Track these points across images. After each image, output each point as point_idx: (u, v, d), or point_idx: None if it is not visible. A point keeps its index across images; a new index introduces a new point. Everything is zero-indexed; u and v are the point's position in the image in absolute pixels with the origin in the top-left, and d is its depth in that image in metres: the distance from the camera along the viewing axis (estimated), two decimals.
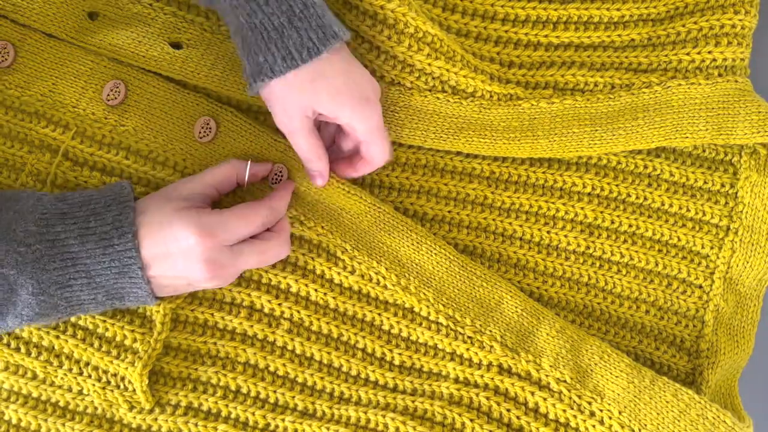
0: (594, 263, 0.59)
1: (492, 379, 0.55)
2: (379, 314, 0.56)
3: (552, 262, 0.59)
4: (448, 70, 0.57)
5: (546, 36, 0.60)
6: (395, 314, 0.56)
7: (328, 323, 0.56)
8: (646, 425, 0.52)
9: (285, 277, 0.56)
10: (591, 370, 0.54)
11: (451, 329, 0.55)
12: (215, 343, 0.55)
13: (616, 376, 0.53)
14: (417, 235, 0.56)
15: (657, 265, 0.59)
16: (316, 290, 0.56)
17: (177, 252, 0.48)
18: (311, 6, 0.49)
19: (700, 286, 0.60)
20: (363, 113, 0.52)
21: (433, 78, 0.58)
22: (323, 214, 0.56)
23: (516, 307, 0.55)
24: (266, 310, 0.56)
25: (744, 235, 0.60)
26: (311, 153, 0.53)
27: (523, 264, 0.59)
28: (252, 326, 0.55)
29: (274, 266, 0.56)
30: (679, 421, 0.52)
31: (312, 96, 0.50)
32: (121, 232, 0.47)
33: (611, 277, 0.59)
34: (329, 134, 0.58)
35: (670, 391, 0.53)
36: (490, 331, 0.54)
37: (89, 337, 0.53)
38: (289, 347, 0.55)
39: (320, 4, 0.50)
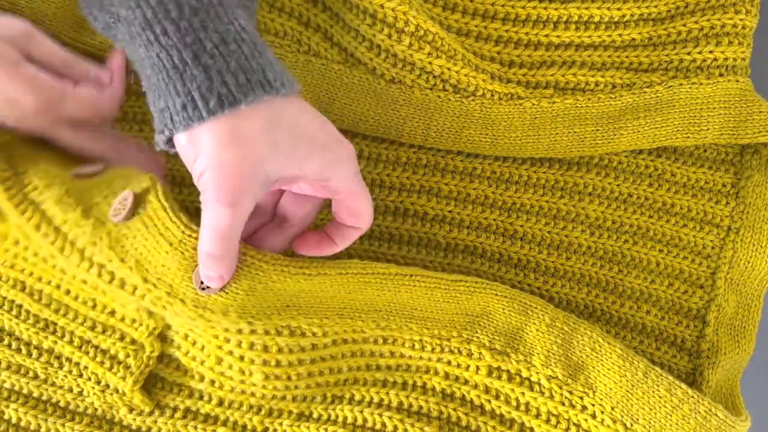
0: (596, 263, 0.59)
1: (482, 380, 0.54)
2: (359, 347, 0.53)
3: (554, 262, 0.59)
4: (449, 69, 0.57)
5: (546, 35, 0.60)
6: (375, 342, 0.53)
7: (306, 367, 0.51)
8: (638, 419, 0.52)
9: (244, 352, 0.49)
10: (583, 363, 0.53)
11: (437, 344, 0.53)
12: (201, 364, 0.52)
13: (608, 369, 0.52)
14: (393, 280, 0.51)
15: (659, 265, 0.59)
16: (286, 356, 0.49)
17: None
18: (233, 42, 0.37)
19: (702, 286, 0.60)
20: (338, 159, 0.41)
21: (434, 76, 0.58)
22: (275, 311, 0.48)
23: (503, 308, 0.53)
24: (236, 368, 0.50)
25: (746, 235, 0.60)
26: (232, 248, 0.42)
27: (524, 264, 0.59)
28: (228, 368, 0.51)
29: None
30: (671, 415, 0.51)
31: (264, 148, 0.38)
32: None
33: (613, 277, 0.59)
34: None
35: (663, 386, 0.52)
36: (478, 337, 0.53)
37: (85, 345, 0.53)
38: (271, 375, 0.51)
39: (250, 41, 0.38)
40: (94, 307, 0.52)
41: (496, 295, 0.54)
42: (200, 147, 0.38)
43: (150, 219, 0.45)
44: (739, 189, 0.60)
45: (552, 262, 0.59)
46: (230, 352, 0.48)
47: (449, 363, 0.54)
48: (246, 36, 0.38)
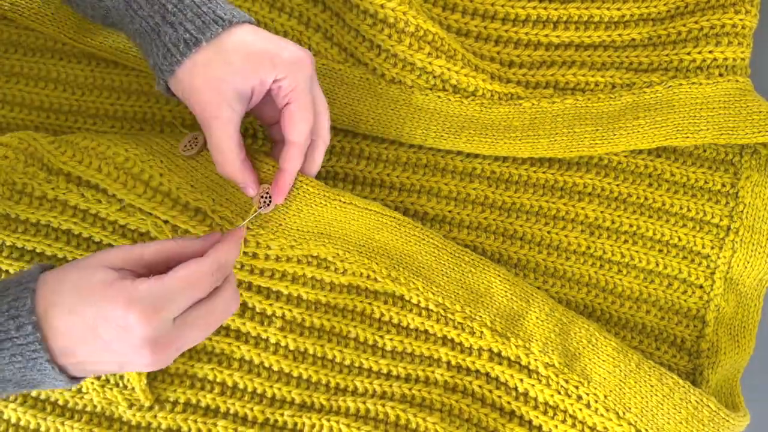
0: (595, 263, 0.59)
1: (483, 365, 0.55)
2: (370, 303, 0.56)
3: (553, 262, 0.59)
4: (449, 69, 0.57)
5: (546, 35, 0.60)
6: (385, 302, 0.56)
7: (320, 317, 0.55)
8: (630, 408, 0.53)
9: (275, 284, 0.55)
10: (579, 354, 0.54)
11: (441, 315, 0.55)
12: (210, 340, 0.55)
13: (603, 360, 0.53)
14: (405, 228, 0.55)
15: (658, 265, 0.59)
16: (307, 292, 0.55)
17: (110, 334, 0.40)
18: None
19: (701, 286, 0.60)
20: (289, 65, 0.48)
21: (434, 77, 0.58)
22: (312, 233, 0.54)
23: (506, 291, 0.55)
24: (258, 309, 0.55)
25: (745, 235, 0.59)
26: (236, 153, 0.49)
27: (523, 264, 0.59)
28: (244, 323, 0.55)
29: (262, 273, 0.55)
30: (662, 405, 0.52)
31: (223, 68, 0.47)
32: (18, 324, 0.40)
33: (612, 277, 0.59)
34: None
35: (655, 376, 0.53)
36: (480, 316, 0.54)
37: None
38: (283, 344, 0.55)
39: None
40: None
41: (499, 276, 0.55)
42: (182, 84, 0.48)
43: None
44: (738, 189, 0.60)
45: (551, 262, 0.59)
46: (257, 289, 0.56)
47: (452, 347, 0.55)
48: None
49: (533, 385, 0.54)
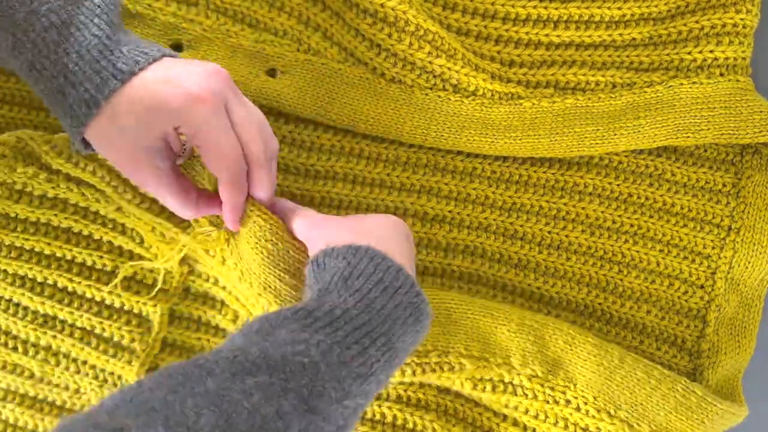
0: (596, 263, 0.59)
1: (470, 393, 0.53)
2: None
3: (553, 262, 0.59)
4: (449, 68, 0.57)
5: (547, 35, 0.60)
6: None
7: None
8: (621, 406, 0.52)
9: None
10: (559, 358, 0.53)
11: (417, 364, 0.52)
12: (209, 340, 0.55)
13: (585, 360, 0.53)
14: None
15: (659, 265, 0.59)
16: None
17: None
18: (88, 51, 0.44)
19: (702, 286, 0.59)
20: (188, 115, 0.45)
21: (434, 76, 0.58)
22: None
23: (466, 312, 0.53)
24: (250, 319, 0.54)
25: (746, 235, 0.59)
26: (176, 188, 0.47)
27: (524, 264, 0.59)
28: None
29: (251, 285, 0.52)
30: (651, 397, 0.52)
31: (126, 132, 0.44)
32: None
33: (612, 277, 0.59)
34: None
35: (640, 369, 0.52)
36: (453, 347, 0.52)
37: (86, 336, 0.53)
38: None
39: (101, 44, 0.45)
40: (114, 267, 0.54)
41: (455, 301, 0.54)
42: (98, 147, 0.46)
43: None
44: (740, 189, 0.60)
45: (552, 262, 0.59)
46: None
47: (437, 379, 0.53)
48: (96, 41, 0.45)
49: (521, 402, 0.53)
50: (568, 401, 0.53)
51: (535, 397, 0.53)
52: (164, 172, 0.46)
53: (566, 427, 0.53)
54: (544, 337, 0.53)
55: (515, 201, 0.59)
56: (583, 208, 0.59)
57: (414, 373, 0.52)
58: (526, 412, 0.53)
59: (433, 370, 0.52)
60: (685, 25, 0.60)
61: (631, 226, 0.59)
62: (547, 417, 0.53)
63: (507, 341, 0.53)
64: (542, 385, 0.52)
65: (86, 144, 0.46)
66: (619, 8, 0.60)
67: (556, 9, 0.60)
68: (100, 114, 0.44)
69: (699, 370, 0.58)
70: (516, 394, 0.53)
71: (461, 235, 0.59)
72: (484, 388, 0.53)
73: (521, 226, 0.59)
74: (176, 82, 0.45)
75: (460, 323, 0.53)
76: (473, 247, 0.59)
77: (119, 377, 0.53)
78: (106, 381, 0.53)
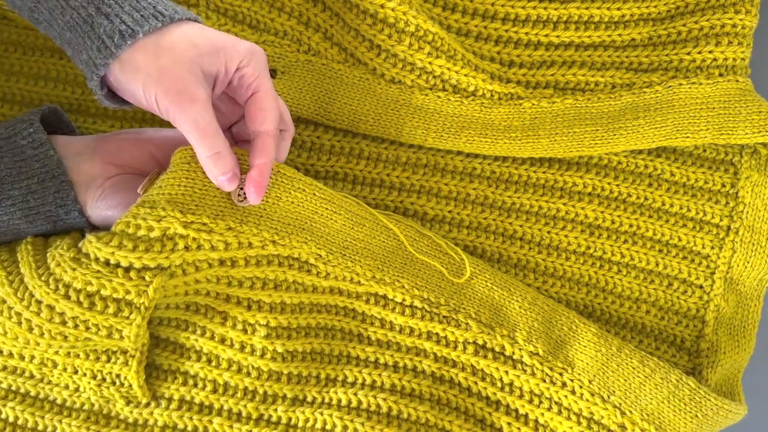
0: (594, 263, 0.59)
1: (468, 359, 0.55)
2: (351, 302, 0.55)
3: (552, 262, 0.59)
4: (449, 69, 0.57)
5: (546, 35, 0.60)
6: (367, 301, 0.55)
7: (305, 318, 0.54)
8: (614, 392, 0.53)
9: (256, 294, 0.53)
10: (562, 341, 0.54)
11: (426, 311, 0.55)
12: (197, 340, 0.54)
13: (585, 346, 0.54)
14: (385, 222, 0.55)
15: (657, 265, 0.59)
16: (290, 296, 0.54)
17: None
18: None
19: (701, 286, 0.60)
20: (244, 55, 0.46)
21: (434, 77, 0.58)
22: (294, 226, 0.52)
23: (486, 281, 0.55)
24: (240, 319, 0.53)
25: (745, 235, 0.59)
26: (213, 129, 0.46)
27: (523, 264, 0.59)
28: (227, 332, 0.54)
29: (241, 284, 0.52)
30: (644, 385, 0.53)
31: (190, 50, 0.45)
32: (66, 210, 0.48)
33: (612, 277, 0.59)
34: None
35: (636, 358, 0.54)
36: (465, 308, 0.54)
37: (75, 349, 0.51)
38: (270, 348, 0.54)
39: None
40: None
41: (478, 266, 0.56)
42: (138, 69, 0.44)
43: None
44: (738, 189, 0.60)
45: (551, 262, 0.59)
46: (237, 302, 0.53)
47: (438, 341, 0.55)
48: None
49: (518, 376, 0.54)
50: (564, 383, 0.54)
51: (533, 374, 0.54)
52: (210, 101, 0.45)
53: (560, 412, 0.54)
54: (551, 320, 0.55)
55: (515, 201, 0.60)
56: (582, 209, 0.60)
57: (422, 317, 0.55)
58: (521, 393, 0.54)
59: (440, 322, 0.55)
60: (684, 25, 0.60)
61: (630, 226, 0.60)
62: (541, 402, 0.54)
63: (517, 316, 0.55)
64: (541, 364, 0.54)
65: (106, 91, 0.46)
66: (619, 9, 0.60)
67: (556, 9, 0.60)
68: (136, 48, 0.44)
69: (698, 370, 0.58)
70: (515, 368, 0.55)
71: (461, 235, 0.59)
72: (486, 355, 0.55)
73: (520, 226, 0.59)
74: (232, 36, 0.47)
75: (476, 288, 0.55)
76: (472, 247, 0.59)
77: (117, 376, 0.53)
78: (104, 380, 0.53)
